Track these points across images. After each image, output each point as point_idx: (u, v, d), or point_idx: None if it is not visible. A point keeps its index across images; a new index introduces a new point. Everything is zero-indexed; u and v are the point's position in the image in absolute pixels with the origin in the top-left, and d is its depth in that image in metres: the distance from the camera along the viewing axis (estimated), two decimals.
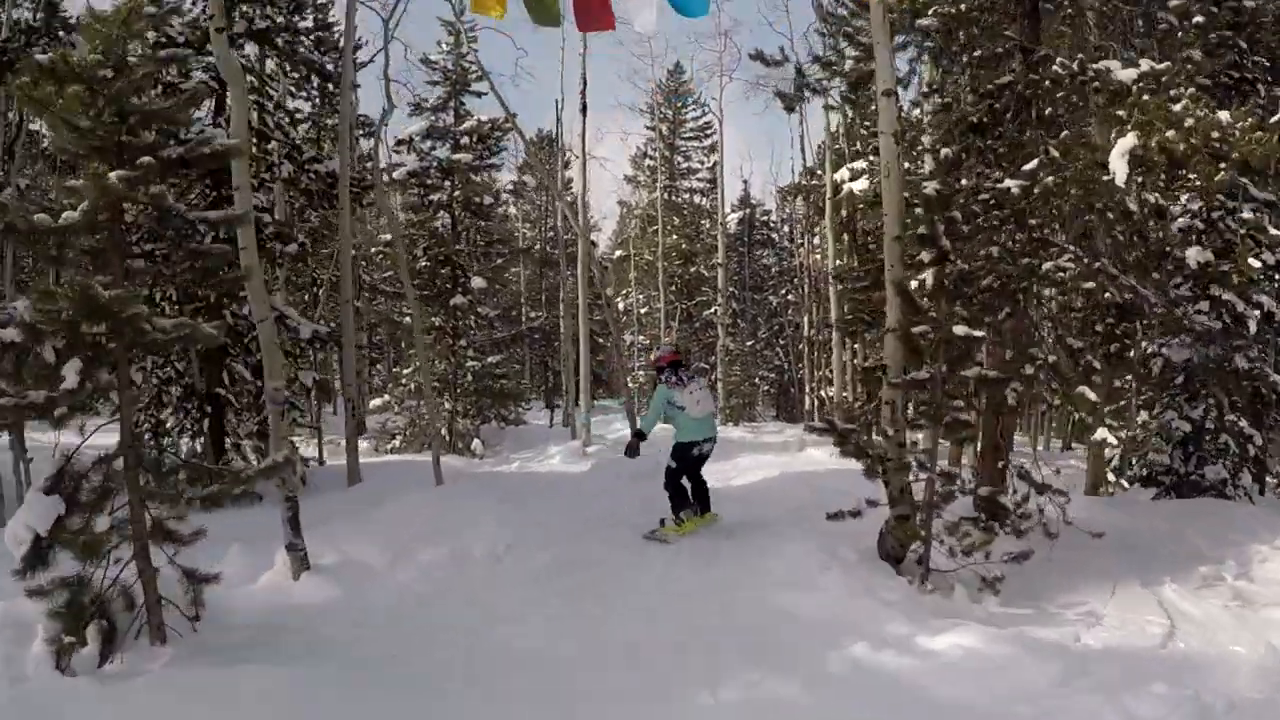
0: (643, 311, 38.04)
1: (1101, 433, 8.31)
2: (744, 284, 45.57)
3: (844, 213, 23.28)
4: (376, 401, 20.67)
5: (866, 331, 23.18)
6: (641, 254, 38.00)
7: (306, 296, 22.06)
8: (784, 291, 47.79)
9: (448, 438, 20.02)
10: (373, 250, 23.72)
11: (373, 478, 13.42)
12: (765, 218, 50.92)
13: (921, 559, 7.45)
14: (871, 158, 24.73)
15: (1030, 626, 6.47)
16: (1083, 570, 7.93)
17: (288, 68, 14.54)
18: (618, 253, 43.52)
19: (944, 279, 7.34)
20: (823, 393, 31.82)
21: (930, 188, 7.38)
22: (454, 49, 21.19)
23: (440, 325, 19.76)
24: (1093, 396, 8.10)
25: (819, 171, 25.81)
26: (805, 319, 30.92)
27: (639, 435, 9.71)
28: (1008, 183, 7.69)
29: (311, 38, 14.86)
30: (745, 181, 49.23)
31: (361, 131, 22.00)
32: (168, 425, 13.18)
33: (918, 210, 7.62)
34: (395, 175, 20.21)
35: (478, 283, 19.83)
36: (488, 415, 21.06)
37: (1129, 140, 6.92)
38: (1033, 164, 7.79)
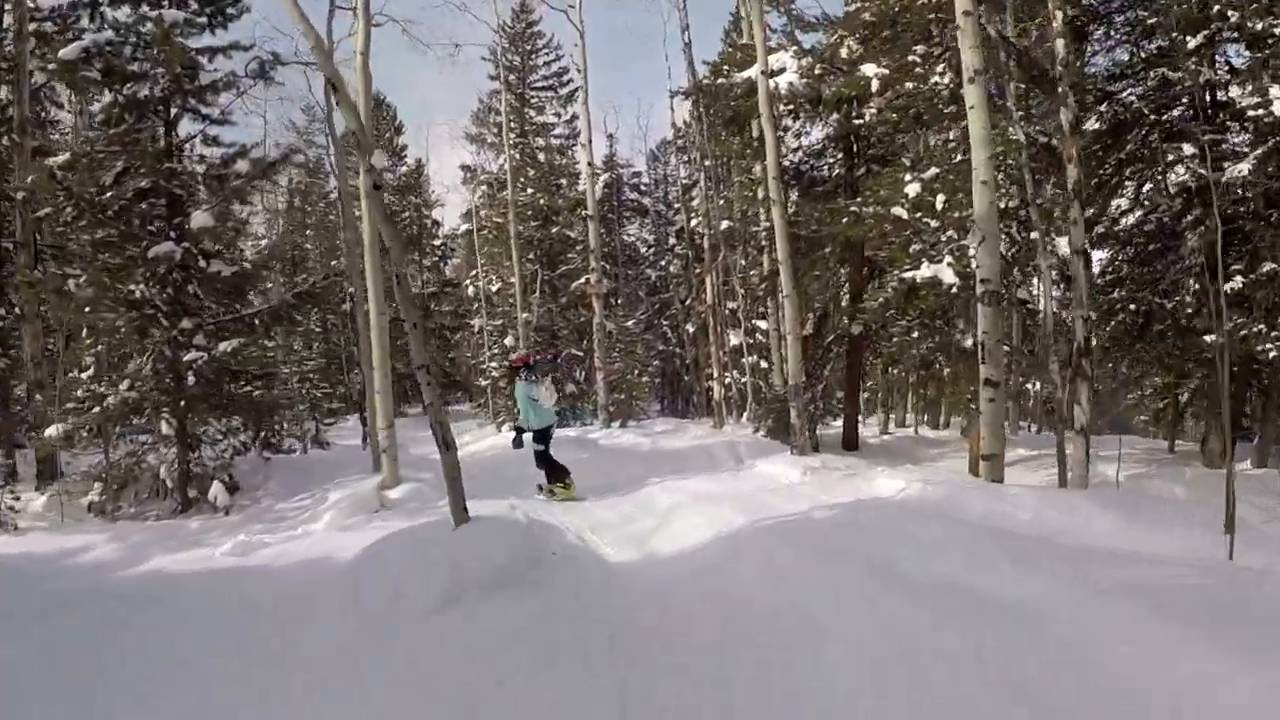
0: (494, 290, 30.15)
1: None
2: (616, 258, 38.45)
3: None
4: (53, 431, 12.20)
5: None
6: (489, 221, 30.19)
7: None
8: (664, 263, 40.85)
9: (169, 483, 11.96)
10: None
11: None
12: (635, 180, 43.88)
13: None
14: (802, 48, 17.74)
15: None
16: None
17: None
18: (464, 227, 35.50)
19: None
20: (728, 376, 24.68)
21: None
22: None
23: (142, 295, 11.56)
24: None
25: (726, 68, 18.37)
26: (708, 281, 23.50)
27: (520, 431, 12.10)
28: None
29: None
30: (611, 138, 41.67)
31: None
32: None
33: None
34: (65, 54, 11.86)
35: (200, 220, 11.59)
36: (244, 441, 12.93)
37: None
38: None
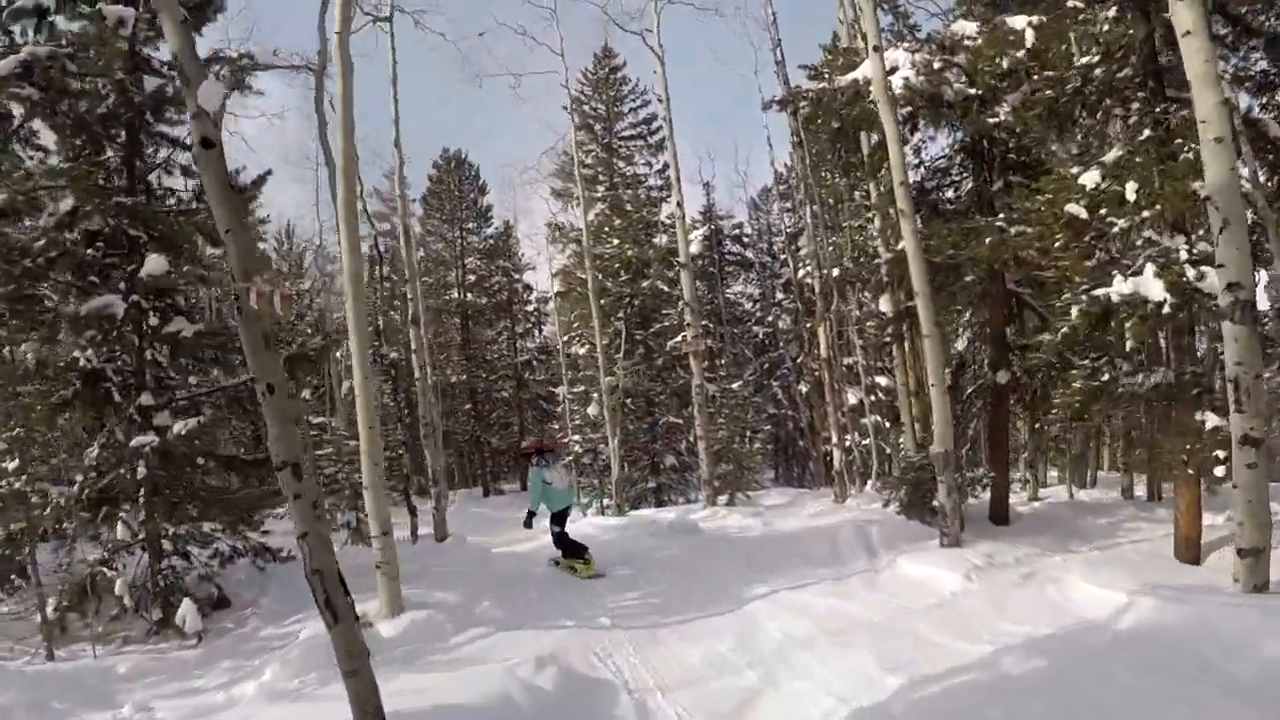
0: (581, 353, 27.42)
1: None
2: (719, 316, 35.51)
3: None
4: None
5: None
6: (575, 280, 27.68)
7: None
8: (771, 319, 37.77)
9: (126, 601, 9.37)
10: None
11: None
12: (736, 231, 41.04)
13: None
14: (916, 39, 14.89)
15: None
16: None
17: None
18: (555, 287, 33.03)
19: None
20: (848, 439, 21.29)
21: None
22: None
23: (86, 365, 9.01)
24: None
25: (827, 72, 15.38)
26: (821, 332, 20.25)
27: (531, 515, 11.92)
28: None
29: None
30: (707, 186, 38.60)
31: None
32: None
33: None
34: None
35: (153, 266, 8.98)
36: (234, 547, 10.25)
37: None
38: None
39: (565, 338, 29.54)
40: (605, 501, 22.35)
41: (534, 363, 38.52)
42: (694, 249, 34.35)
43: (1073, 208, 9.06)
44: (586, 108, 34.45)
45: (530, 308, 40.65)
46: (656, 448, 25.07)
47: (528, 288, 40.42)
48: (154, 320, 9.46)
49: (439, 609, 8.85)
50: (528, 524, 12.06)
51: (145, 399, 9.41)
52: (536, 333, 41.19)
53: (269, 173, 10.37)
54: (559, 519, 12.09)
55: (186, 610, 9.07)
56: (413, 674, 6.66)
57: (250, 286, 4.00)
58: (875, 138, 15.05)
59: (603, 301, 23.00)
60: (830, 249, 22.74)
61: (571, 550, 11.96)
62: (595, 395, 23.33)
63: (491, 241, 39.94)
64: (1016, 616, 6.94)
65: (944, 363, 11.19)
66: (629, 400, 24.21)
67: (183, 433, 8.93)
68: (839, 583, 9.44)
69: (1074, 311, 8.95)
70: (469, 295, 38.50)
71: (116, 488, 9.33)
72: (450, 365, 37.25)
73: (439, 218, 39.67)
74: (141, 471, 8.99)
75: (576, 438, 24.59)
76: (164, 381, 9.78)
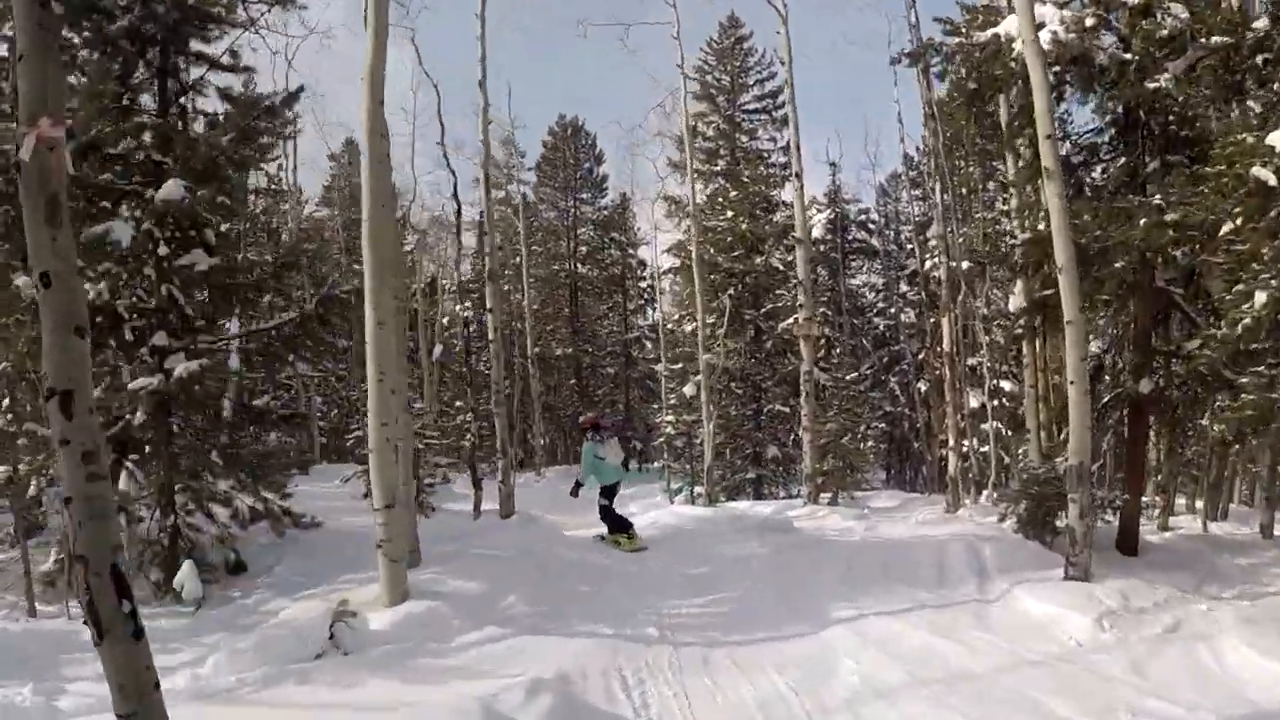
0: (688, 330, 26.00)
1: None
2: (839, 305, 33.81)
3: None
4: None
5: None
6: (687, 249, 26.33)
7: None
8: (894, 311, 35.84)
9: (139, 562, 8.57)
10: None
11: None
12: (863, 217, 39.11)
13: None
14: None
15: None
16: None
17: None
18: (666, 263, 31.67)
19: None
20: (965, 444, 19.49)
21: None
22: None
23: (95, 298, 8.13)
24: None
25: (964, 29, 13.75)
26: (945, 324, 18.49)
27: (578, 485, 12.78)
28: None
29: None
30: (833, 166, 36.68)
31: None
32: None
33: None
34: None
35: (168, 192, 7.89)
36: (253, 507, 9.30)
37: None
38: None
39: (676, 315, 28.33)
40: (696, 490, 21.06)
41: (644, 340, 37.48)
42: (816, 232, 32.86)
43: (1260, 171, 7.36)
44: (709, 78, 33.18)
45: (644, 284, 39.49)
46: (760, 436, 23.59)
47: (642, 263, 39.33)
48: (164, 250, 8.46)
49: (451, 600, 7.63)
50: (574, 493, 12.91)
51: (159, 339, 8.47)
52: (649, 310, 39.97)
53: (301, 89, 9.34)
54: (608, 493, 12.54)
55: (185, 575, 8.14)
56: (379, 681, 5.55)
57: (30, 132, 2.82)
58: (1015, 107, 13.52)
59: (712, 277, 21.75)
60: (960, 240, 21.01)
61: (616, 524, 12.35)
62: (694, 375, 21.88)
63: (606, 213, 38.97)
64: (1161, 685, 5.39)
65: (1086, 358, 9.51)
66: (732, 383, 22.89)
67: (184, 376, 7.92)
68: (940, 611, 7.89)
69: (1259, 298, 7.22)
70: (580, 267, 37.64)
71: (125, 435, 8.42)
72: (556, 338, 36.43)
73: (552, 186, 38.89)
74: (140, 417, 8.04)
75: (670, 418, 23.28)
76: (190, 322, 8.84)
